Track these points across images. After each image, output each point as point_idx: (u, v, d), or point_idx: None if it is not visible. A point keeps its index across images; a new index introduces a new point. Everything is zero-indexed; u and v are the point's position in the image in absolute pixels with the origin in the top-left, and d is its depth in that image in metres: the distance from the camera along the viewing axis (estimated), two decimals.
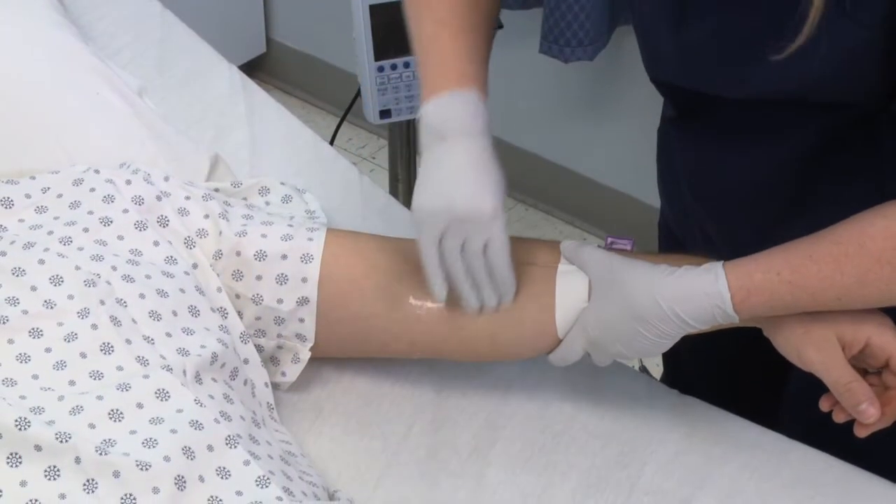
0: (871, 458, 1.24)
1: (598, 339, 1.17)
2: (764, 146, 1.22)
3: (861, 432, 1.12)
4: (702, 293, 1.09)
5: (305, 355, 1.27)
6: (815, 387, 1.16)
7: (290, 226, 1.27)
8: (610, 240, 1.23)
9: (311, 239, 1.25)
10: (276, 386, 1.28)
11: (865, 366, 1.14)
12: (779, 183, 1.23)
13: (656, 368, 2.31)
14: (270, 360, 1.28)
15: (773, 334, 1.14)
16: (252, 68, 2.89)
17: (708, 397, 1.34)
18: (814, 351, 1.11)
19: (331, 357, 1.31)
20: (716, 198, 1.31)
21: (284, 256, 1.24)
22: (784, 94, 1.11)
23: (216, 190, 1.35)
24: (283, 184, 1.40)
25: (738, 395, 1.39)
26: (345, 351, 1.30)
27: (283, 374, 1.28)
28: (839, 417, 1.13)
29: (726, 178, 1.27)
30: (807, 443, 1.28)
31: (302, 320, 1.25)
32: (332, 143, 1.90)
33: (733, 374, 1.49)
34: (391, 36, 1.65)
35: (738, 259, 1.09)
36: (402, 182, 1.95)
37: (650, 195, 2.51)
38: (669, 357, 1.58)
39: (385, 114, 1.70)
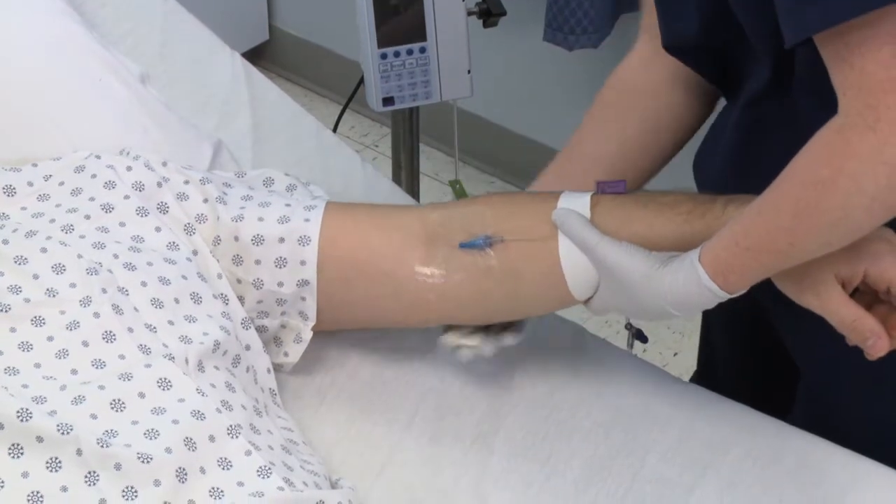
0: (883, 454, 1.24)
1: (619, 311, 1.19)
2: (725, 111, 1.26)
3: (871, 357, 1.11)
4: (695, 293, 1.10)
5: (307, 335, 1.27)
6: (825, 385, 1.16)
7: (288, 205, 1.27)
8: (601, 184, 1.22)
9: (307, 220, 1.25)
10: (278, 367, 1.28)
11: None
12: (728, 153, 1.25)
13: (658, 349, 2.32)
14: (273, 342, 1.28)
15: (777, 280, 1.13)
16: (255, 56, 2.89)
17: (740, 396, 1.34)
18: (812, 295, 1.10)
19: (339, 337, 1.32)
20: (701, 173, 1.34)
21: (282, 239, 1.24)
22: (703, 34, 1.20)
23: None
24: (287, 174, 1.39)
25: (770, 394, 1.39)
26: (356, 326, 1.32)
27: (286, 354, 1.28)
28: (851, 342, 1.12)
29: (708, 149, 1.31)
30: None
31: (304, 299, 1.25)
32: (334, 130, 1.89)
33: (765, 379, 1.50)
34: (394, 23, 1.64)
35: (710, 240, 1.10)
36: (405, 170, 1.94)
37: (653, 183, 2.51)
38: (703, 356, 1.59)
39: (388, 101, 1.69)
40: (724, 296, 1.09)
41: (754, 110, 1.19)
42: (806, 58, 1.09)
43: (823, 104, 1.00)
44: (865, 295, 1.11)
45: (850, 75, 0.96)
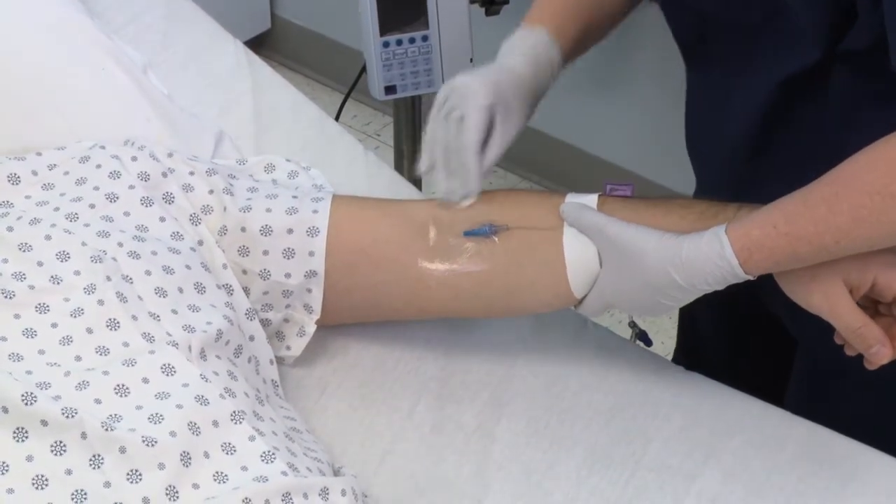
0: (878, 440, 1.25)
1: (618, 303, 1.18)
2: (735, 88, 1.24)
3: (872, 366, 1.12)
4: (713, 264, 1.09)
5: (311, 328, 1.27)
6: (819, 371, 1.15)
7: (295, 197, 1.28)
8: (609, 186, 1.21)
9: (315, 211, 1.26)
10: (280, 360, 1.28)
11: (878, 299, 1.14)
12: (744, 132, 1.24)
13: (661, 338, 2.31)
14: (276, 335, 1.29)
15: (782, 282, 1.13)
16: (257, 45, 2.88)
17: (717, 375, 1.34)
18: (820, 297, 1.10)
19: (340, 327, 1.32)
20: (699, 151, 1.33)
21: (290, 230, 1.24)
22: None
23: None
24: (288, 160, 1.40)
25: (748, 376, 1.39)
26: (356, 318, 1.31)
27: (288, 347, 1.29)
28: (850, 352, 1.13)
29: (709, 126, 1.30)
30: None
31: (310, 290, 1.25)
32: (337, 119, 1.89)
33: (745, 353, 1.49)
34: (397, 11, 1.64)
35: (742, 218, 1.10)
36: (408, 158, 1.95)
37: (654, 171, 2.51)
38: (683, 332, 1.58)
39: (390, 90, 1.69)
40: (739, 275, 1.08)
41: (788, 90, 1.19)
42: (863, 40, 1.09)
43: (862, 82, 1.02)
44: (866, 309, 1.12)
45: None
